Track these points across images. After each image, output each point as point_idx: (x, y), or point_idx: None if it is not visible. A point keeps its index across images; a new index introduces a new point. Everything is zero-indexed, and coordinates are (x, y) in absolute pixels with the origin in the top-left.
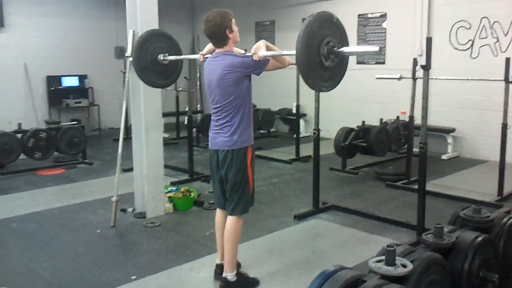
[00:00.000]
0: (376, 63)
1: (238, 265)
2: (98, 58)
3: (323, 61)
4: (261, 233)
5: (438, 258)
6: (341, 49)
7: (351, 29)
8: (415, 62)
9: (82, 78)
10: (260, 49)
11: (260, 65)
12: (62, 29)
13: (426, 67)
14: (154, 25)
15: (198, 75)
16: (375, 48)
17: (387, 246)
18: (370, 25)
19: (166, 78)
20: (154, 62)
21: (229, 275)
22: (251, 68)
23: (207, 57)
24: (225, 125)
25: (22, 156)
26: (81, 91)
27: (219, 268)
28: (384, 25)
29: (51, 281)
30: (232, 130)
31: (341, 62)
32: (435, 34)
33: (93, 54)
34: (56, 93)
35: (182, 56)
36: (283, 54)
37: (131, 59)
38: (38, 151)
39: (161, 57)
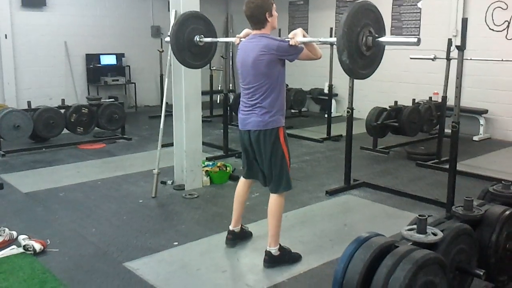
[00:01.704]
0: None
1: (250, 234)
2: (135, 37)
3: (362, 50)
4: (294, 207)
5: (467, 229)
6: (380, 39)
7: (386, 9)
8: (449, 42)
9: (119, 56)
10: (297, 35)
11: (295, 51)
12: (101, 8)
13: (461, 48)
14: (196, 5)
15: (231, 54)
16: (414, 40)
17: (419, 215)
18: (405, 5)
19: (200, 59)
20: (191, 42)
21: (273, 249)
22: (286, 53)
23: (243, 40)
24: (257, 106)
25: (65, 131)
26: (119, 69)
27: (230, 234)
28: (419, 5)
29: (99, 245)
30: (264, 111)
31: (378, 51)
32: (470, 15)
33: (130, 33)
34: (95, 71)
35: (218, 39)
36: (319, 41)
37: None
38: (80, 126)
39: (197, 38)
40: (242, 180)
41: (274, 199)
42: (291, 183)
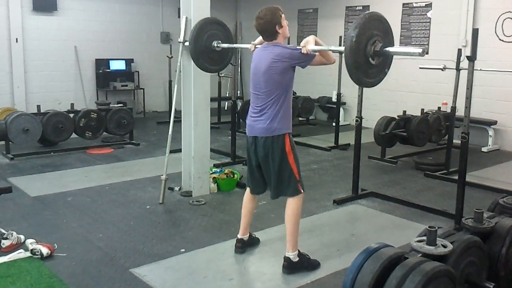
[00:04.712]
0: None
1: (257, 240)
2: (145, 43)
3: (369, 59)
4: (301, 215)
5: (477, 241)
6: (386, 49)
7: (395, 18)
8: (459, 52)
9: (129, 62)
10: (309, 43)
11: (307, 59)
12: (111, 14)
13: (472, 58)
14: (206, 12)
15: (239, 61)
16: (419, 50)
17: (428, 227)
18: (415, 14)
19: (217, 64)
20: (208, 48)
21: (291, 254)
22: (298, 60)
23: (258, 47)
24: (264, 112)
25: (73, 135)
26: (128, 74)
27: (240, 242)
28: (429, 14)
29: (106, 251)
30: (272, 118)
31: (386, 60)
32: (480, 25)
33: (140, 38)
34: (104, 76)
35: (234, 45)
36: (330, 50)
37: (186, 43)
38: (89, 130)
39: (215, 44)
40: (249, 189)
41: (289, 204)
42: (300, 189)
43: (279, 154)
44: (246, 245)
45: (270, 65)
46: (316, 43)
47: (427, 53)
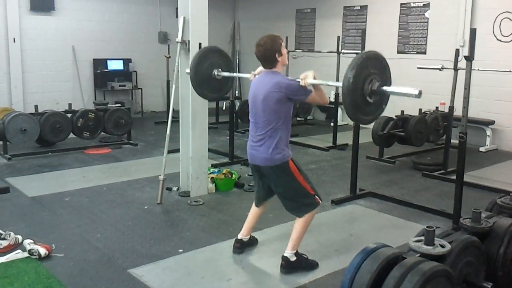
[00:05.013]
0: (417, 52)
1: (255, 240)
2: (142, 43)
3: (367, 98)
4: None
5: (475, 241)
6: (383, 88)
7: (393, 18)
8: (457, 52)
9: (126, 61)
10: (308, 77)
11: (304, 93)
12: (109, 13)
13: (469, 58)
14: (204, 12)
15: (237, 61)
16: (415, 91)
17: (427, 227)
18: (413, 14)
19: (217, 92)
20: (209, 76)
21: (289, 253)
22: (295, 93)
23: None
24: (264, 142)
25: (71, 136)
26: (126, 74)
27: (238, 242)
28: (426, 14)
29: (104, 251)
30: (272, 148)
31: (383, 98)
32: (478, 25)
33: (138, 38)
34: (102, 76)
35: (234, 74)
36: (329, 84)
37: (188, 71)
38: (87, 130)
39: (215, 72)
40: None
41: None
42: (317, 201)
43: (288, 180)
44: (245, 246)
45: (267, 94)
46: (314, 79)
47: (424, 53)
